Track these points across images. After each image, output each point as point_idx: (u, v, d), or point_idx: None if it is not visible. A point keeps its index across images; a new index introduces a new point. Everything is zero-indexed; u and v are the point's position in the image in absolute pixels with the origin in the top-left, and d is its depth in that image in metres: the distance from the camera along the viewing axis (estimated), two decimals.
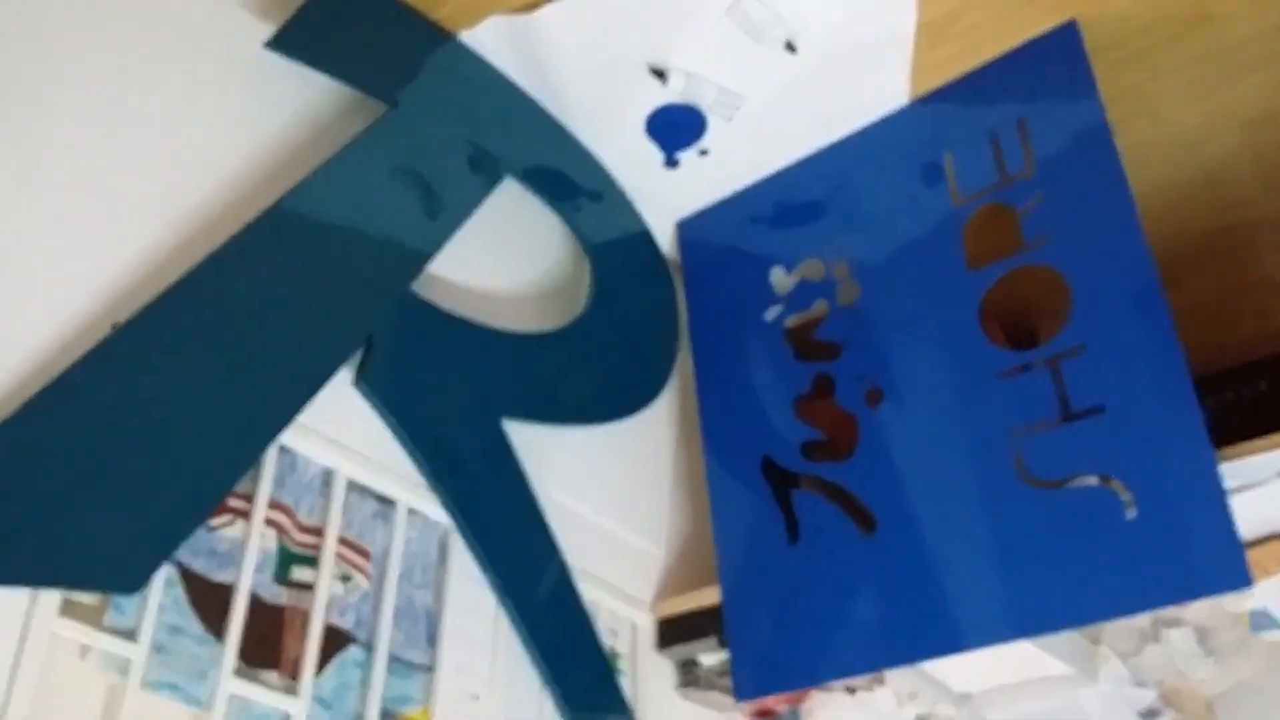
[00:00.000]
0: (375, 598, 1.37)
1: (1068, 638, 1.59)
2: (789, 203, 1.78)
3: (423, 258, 1.49)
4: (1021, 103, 1.57)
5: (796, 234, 1.75)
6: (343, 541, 1.35)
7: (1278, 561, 1.36)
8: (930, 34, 1.61)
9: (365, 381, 1.37)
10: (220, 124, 1.39)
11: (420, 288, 1.49)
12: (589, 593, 1.59)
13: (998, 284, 1.51)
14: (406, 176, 1.52)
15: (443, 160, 1.59)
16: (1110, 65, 1.60)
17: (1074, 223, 1.47)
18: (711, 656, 1.63)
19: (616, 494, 1.70)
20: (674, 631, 1.66)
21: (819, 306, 1.69)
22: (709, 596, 1.64)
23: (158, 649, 1.12)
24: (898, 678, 1.59)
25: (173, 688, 1.12)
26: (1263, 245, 1.93)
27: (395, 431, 1.39)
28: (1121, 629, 1.61)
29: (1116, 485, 1.34)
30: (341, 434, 1.37)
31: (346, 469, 1.37)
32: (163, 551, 1.11)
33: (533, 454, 1.54)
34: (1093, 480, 1.36)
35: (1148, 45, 1.62)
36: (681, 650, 1.65)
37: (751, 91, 1.68)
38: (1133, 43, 1.61)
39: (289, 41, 1.45)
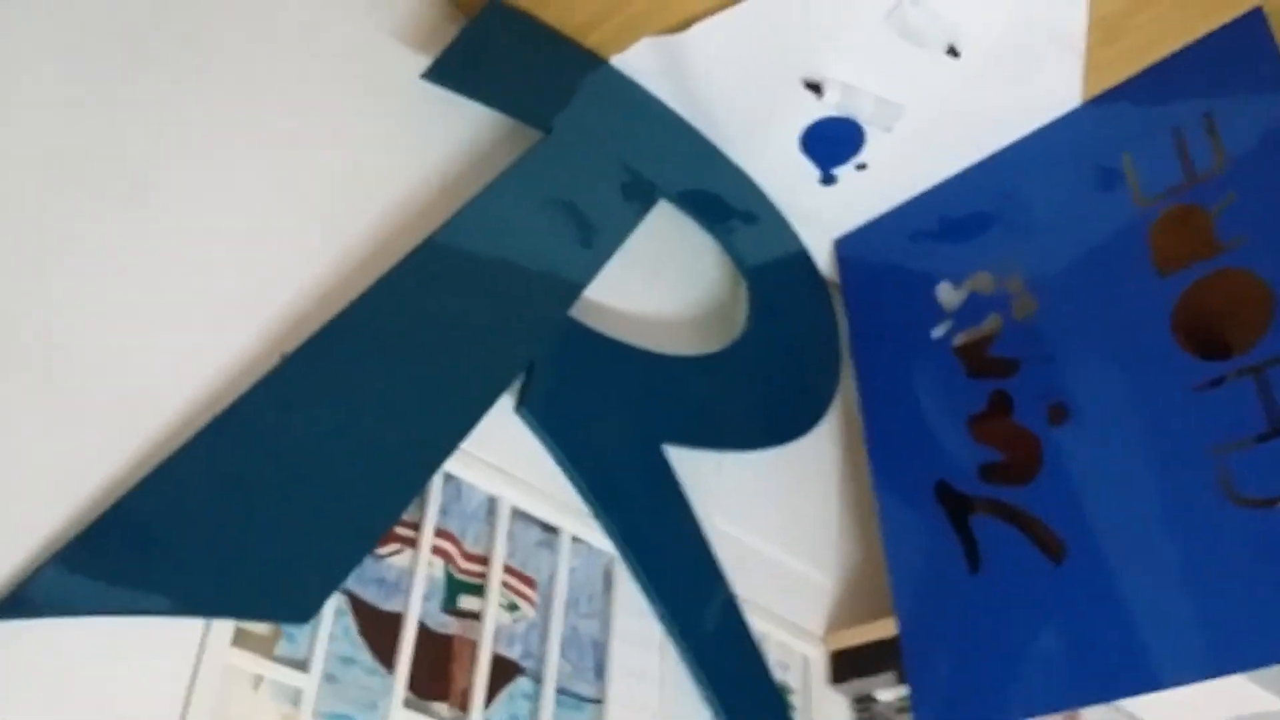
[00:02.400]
0: (542, 628, 1.34)
1: None
2: (954, 215, 1.70)
3: (580, 283, 1.47)
4: (1207, 97, 1.46)
5: (963, 247, 1.68)
6: (508, 570, 1.34)
7: None
8: (1104, 30, 1.52)
9: (527, 407, 1.35)
10: (381, 155, 1.41)
11: (578, 313, 1.48)
12: (757, 624, 1.53)
13: (1191, 290, 1.40)
14: (562, 202, 1.52)
15: (597, 185, 1.58)
16: None
17: (1274, 222, 1.35)
18: (889, 692, 1.55)
19: (782, 522, 1.65)
20: (848, 665, 1.58)
21: (991, 321, 1.60)
22: (884, 629, 1.56)
23: (329, 679, 1.12)
24: (1094, 716, 1.48)
25: (344, 718, 1.11)
26: None
27: (556, 457, 1.37)
28: None
29: None
30: (505, 461, 1.36)
31: (510, 496, 1.36)
32: (333, 581, 1.11)
33: (695, 481, 1.50)
34: None
35: None
36: (857, 685, 1.57)
37: (912, 101, 1.62)
38: None
39: (445, 72, 1.46)
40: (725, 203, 1.76)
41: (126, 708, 0.97)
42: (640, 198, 1.61)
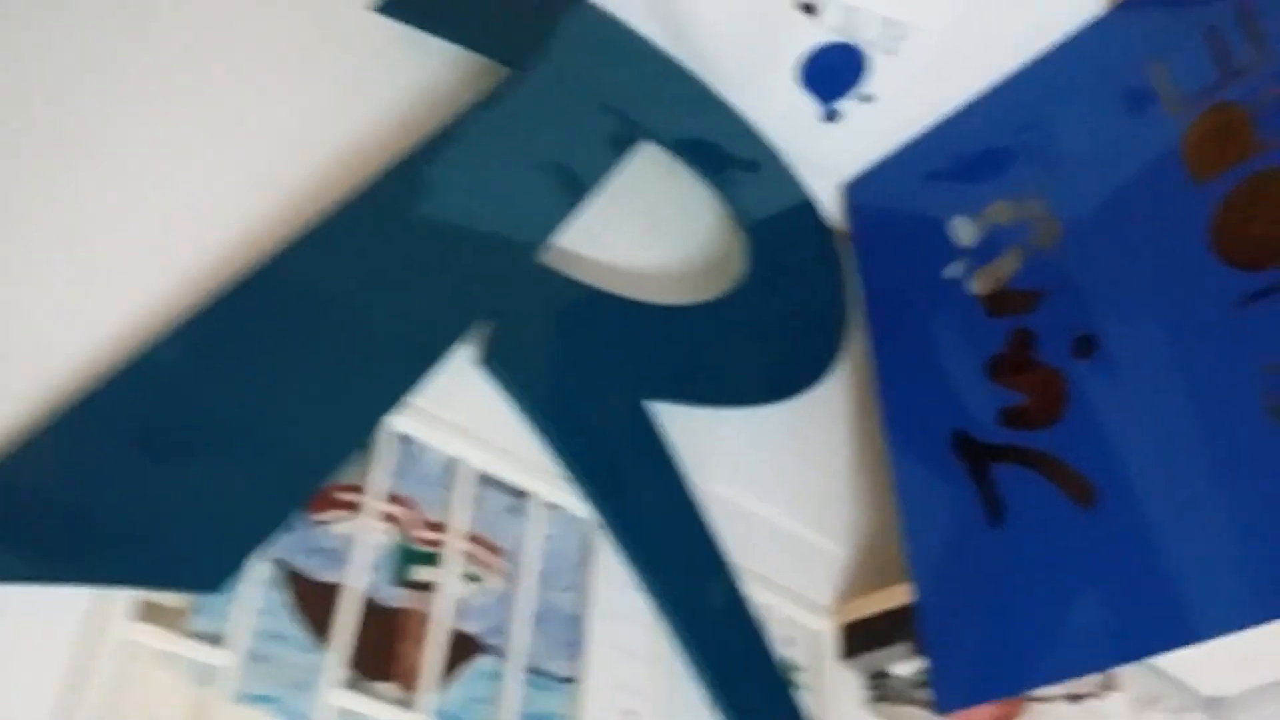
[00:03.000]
0: (510, 601, 1.21)
1: None
2: (970, 149, 1.55)
3: (551, 229, 1.34)
4: None
5: (982, 181, 1.52)
6: (473, 539, 1.21)
7: None
8: None
9: (491, 361, 1.22)
10: (331, 99, 1.30)
11: (559, 264, 1.35)
12: (759, 597, 1.39)
13: (1231, 196, 1.24)
14: (533, 144, 1.39)
15: (574, 126, 1.44)
16: None
17: None
18: (906, 665, 1.40)
19: (786, 485, 1.50)
20: (860, 638, 1.43)
21: (1012, 253, 1.45)
22: (898, 596, 1.41)
23: (256, 658, 0.99)
24: (1132, 679, 1.31)
25: (268, 700, 0.99)
26: None
27: (525, 413, 1.24)
28: None
29: None
30: (468, 421, 1.23)
31: (474, 458, 1.23)
32: (249, 545, 0.98)
33: (688, 442, 1.36)
34: None
35: None
36: (870, 659, 1.42)
37: (918, 19, 1.47)
38: None
39: (399, 4, 1.34)
40: (723, 150, 1.62)
41: (4, 689, 0.86)
42: (622, 140, 1.47)
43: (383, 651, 1.08)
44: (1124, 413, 1.27)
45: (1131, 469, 1.24)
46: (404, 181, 1.24)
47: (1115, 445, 1.27)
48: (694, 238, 1.56)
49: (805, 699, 1.39)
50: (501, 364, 1.24)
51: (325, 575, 1.07)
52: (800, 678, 1.42)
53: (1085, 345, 1.32)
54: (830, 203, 1.69)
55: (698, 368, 1.40)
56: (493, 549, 1.22)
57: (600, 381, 1.32)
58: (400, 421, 1.17)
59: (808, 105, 1.57)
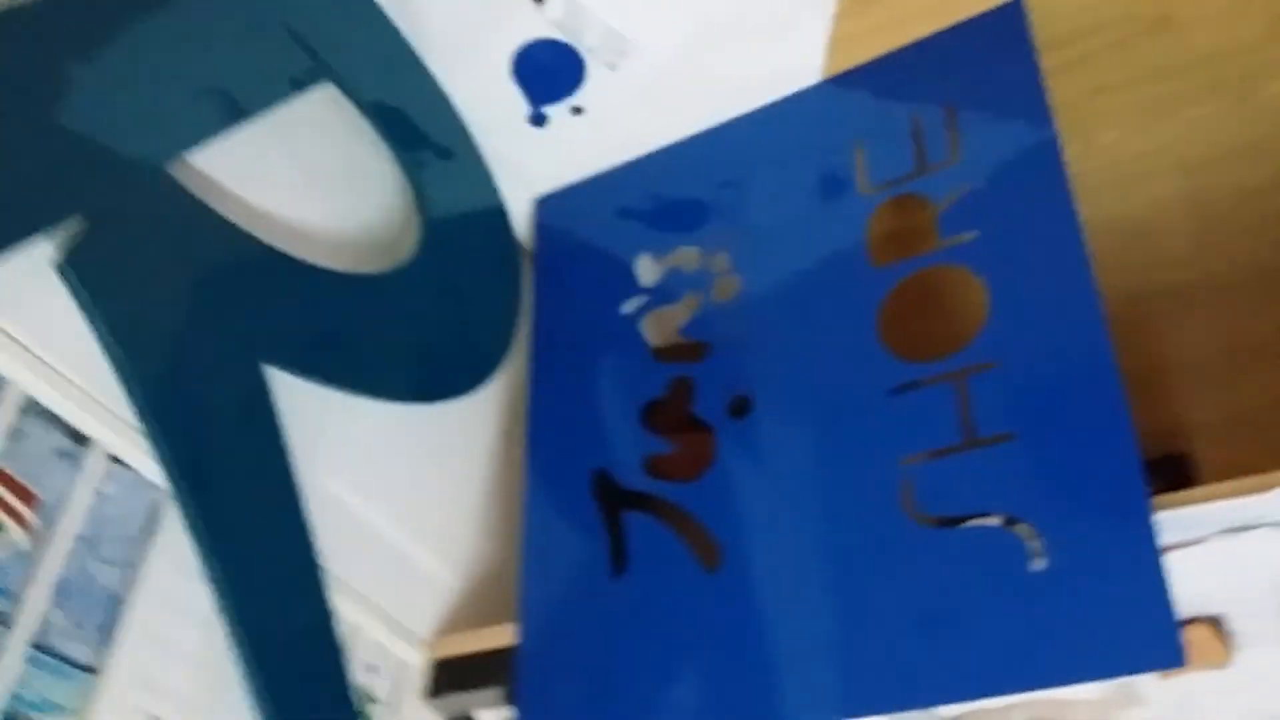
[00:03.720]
0: (32, 561, 0.99)
1: None
2: (670, 190, 1.49)
3: (190, 144, 1.15)
4: (953, 87, 1.32)
5: (674, 225, 1.46)
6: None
7: (1207, 654, 1.08)
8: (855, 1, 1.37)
9: (73, 264, 1.01)
10: None
11: (200, 192, 1.16)
12: (349, 613, 1.23)
13: (902, 284, 1.24)
14: (202, 56, 1.20)
15: (249, 45, 1.26)
16: (1049, 71, 1.37)
17: (1003, 222, 1.21)
18: (490, 714, 1.27)
19: (409, 496, 1.35)
20: (451, 677, 1.30)
21: (688, 300, 1.39)
22: (501, 637, 1.29)
23: None
24: None
25: None
26: (1187, 319, 1.70)
27: (103, 338, 1.03)
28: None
29: (1023, 530, 1.05)
30: (28, 333, 1.01)
31: (25, 380, 1.01)
32: None
33: (308, 425, 1.19)
34: (995, 521, 1.08)
35: (1095, 49, 1.41)
36: (456, 701, 1.28)
37: (644, 40, 1.41)
38: (1079, 44, 1.40)
39: None
40: (418, 127, 1.48)
41: None
42: (302, 76, 1.31)
43: None
44: (763, 481, 1.23)
45: (759, 538, 1.20)
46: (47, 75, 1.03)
47: (749, 511, 1.22)
48: (366, 207, 1.41)
49: None
50: (85, 269, 1.01)
51: None
52: (375, 711, 1.27)
53: (741, 406, 1.28)
54: (521, 213, 1.59)
55: (337, 343, 1.23)
56: (24, 495, 1.00)
57: (212, 326, 1.12)
58: None
59: (516, 102, 1.47)
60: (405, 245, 1.40)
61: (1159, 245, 1.66)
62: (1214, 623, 1.13)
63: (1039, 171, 1.21)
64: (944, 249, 1.23)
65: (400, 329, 1.30)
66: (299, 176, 1.32)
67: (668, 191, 1.49)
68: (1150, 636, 0.95)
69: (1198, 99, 1.45)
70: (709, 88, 1.45)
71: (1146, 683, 1.23)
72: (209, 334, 1.12)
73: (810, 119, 1.41)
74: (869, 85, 1.39)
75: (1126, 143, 1.53)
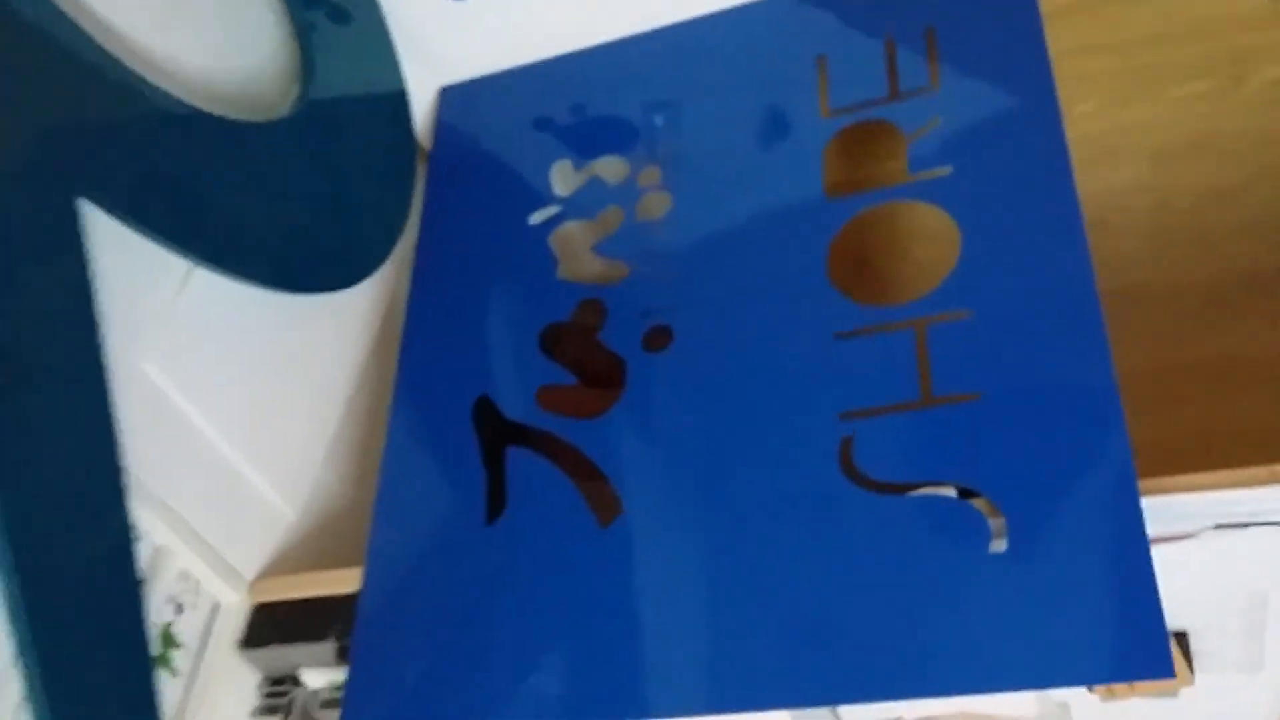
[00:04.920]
0: None
1: None
2: (604, 90, 1.29)
3: None
4: (936, 7, 1.16)
5: (601, 131, 1.27)
6: None
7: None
8: None
9: None
10: None
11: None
12: (155, 533, 1.00)
13: (860, 218, 1.07)
14: None
15: None
16: None
17: (984, 159, 1.05)
18: (320, 675, 1.06)
19: (249, 402, 1.11)
20: (274, 626, 1.07)
21: (610, 214, 1.20)
22: (341, 582, 1.07)
23: None
24: None
25: None
26: (1124, 329, 1.58)
27: None
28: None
29: (982, 504, 0.89)
30: None
31: None
32: None
33: (129, 290, 0.97)
34: (949, 491, 0.91)
35: (1087, 3, 1.27)
36: (277, 656, 1.06)
37: None
38: None
39: None
40: None
41: None
42: None
43: None
44: (677, 426, 1.04)
45: (663, 495, 1.01)
46: None
47: (655, 462, 1.03)
48: (240, 56, 1.16)
49: (169, 689, 1.01)
50: None
51: None
52: (176, 658, 1.04)
53: (658, 337, 1.09)
54: (423, 101, 1.37)
55: (178, 190, 0.99)
56: None
57: (26, 139, 0.89)
58: None
59: None
60: (279, 110, 1.18)
61: (1112, 241, 1.53)
62: (1180, 640, 0.98)
63: (1028, 107, 1.06)
64: (913, 183, 1.06)
65: (260, 193, 1.06)
66: (164, 4, 1.08)
67: (600, 95, 1.29)
68: (1132, 640, 0.79)
69: (1185, 75, 1.33)
70: None
71: (1084, 703, 1.08)
72: (17, 151, 0.88)
73: (769, 30, 1.23)
74: (839, 1, 1.22)
75: (1102, 116, 1.39)
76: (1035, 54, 1.08)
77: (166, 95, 0.98)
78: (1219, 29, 1.28)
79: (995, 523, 0.87)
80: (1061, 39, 1.28)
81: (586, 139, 1.26)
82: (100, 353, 0.92)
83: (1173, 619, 0.94)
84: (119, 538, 0.93)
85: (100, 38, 0.98)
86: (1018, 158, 1.04)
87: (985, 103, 1.08)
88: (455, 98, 1.36)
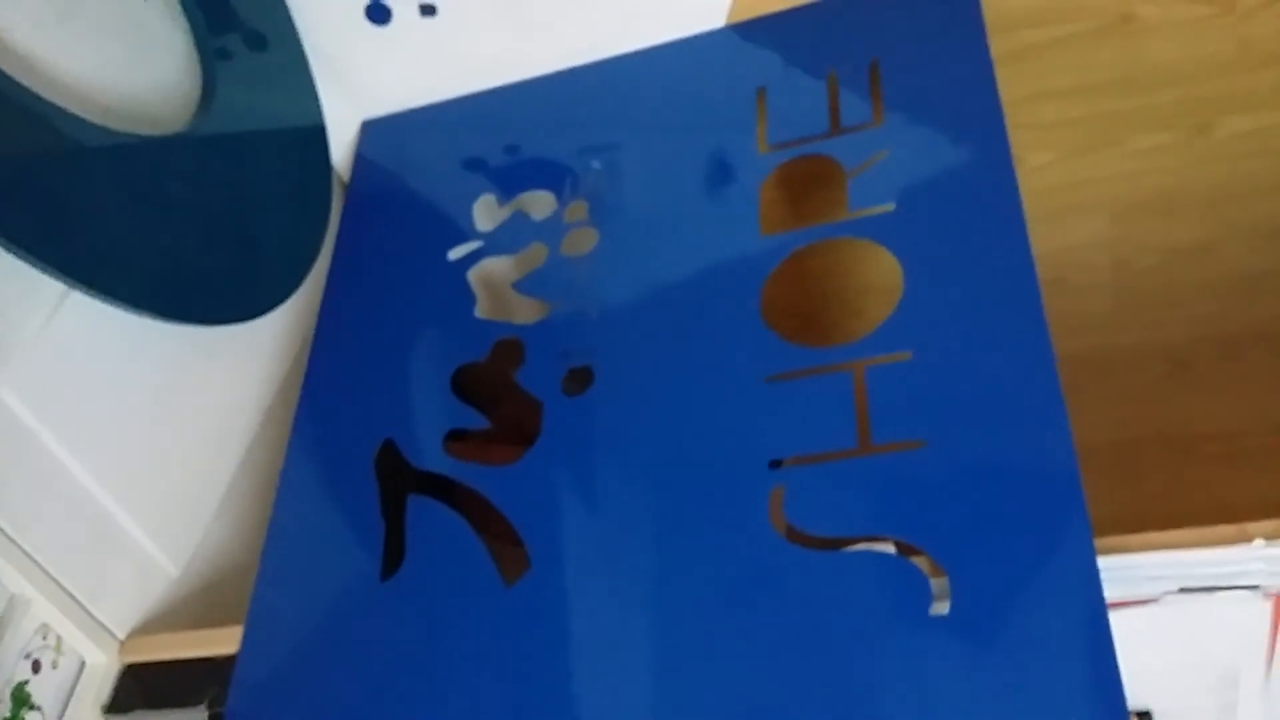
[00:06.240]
0: None
1: None
2: (533, 124, 1.22)
3: None
4: (880, 41, 1.10)
5: (528, 168, 1.20)
6: None
7: None
8: None
9: None
10: None
11: None
12: (11, 583, 0.90)
13: (799, 259, 1.00)
14: None
15: None
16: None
17: (928, 196, 0.98)
18: None
19: (128, 442, 1.01)
20: (142, 688, 0.96)
21: (533, 250, 1.12)
22: (218, 642, 0.97)
23: None
24: None
25: None
26: (1086, 394, 1.51)
27: None
28: None
29: (923, 562, 0.80)
30: None
31: None
32: None
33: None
34: (887, 547, 0.82)
35: (1043, 43, 1.22)
36: None
37: None
38: (1024, 33, 1.21)
39: None
40: (232, 7, 1.20)
41: None
42: None
43: None
44: (595, 475, 0.95)
45: (575, 550, 0.92)
46: None
47: (569, 514, 0.94)
48: (138, 72, 1.10)
49: None
50: None
51: None
52: None
53: (579, 380, 1.00)
54: (346, 133, 1.29)
55: (49, 202, 0.91)
56: None
57: None
58: None
59: None
60: (188, 111, 1.10)
61: (1070, 301, 1.47)
62: None
63: (976, 142, 0.99)
64: (853, 220, 0.99)
65: (143, 211, 0.98)
66: (54, 10, 1.00)
67: (532, 134, 1.22)
68: (1088, 717, 0.69)
69: (1148, 124, 1.27)
70: (593, 14, 1.19)
71: None
72: None
73: (707, 65, 1.17)
74: (780, 34, 1.16)
75: (1058, 169, 1.34)
76: (984, 89, 1.02)
77: (35, 97, 0.90)
78: (1183, 76, 1.23)
79: (937, 583, 0.78)
80: (1016, 85, 1.23)
81: (514, 175, 1.19)
82: None
83: (1134, 697, 0.85)
84: None
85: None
86: (965, 194, 0.97)
87: (931, 139, 1.01)
88: (378, 130, 1.29)
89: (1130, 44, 1.20)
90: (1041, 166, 1.33)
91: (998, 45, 1.11)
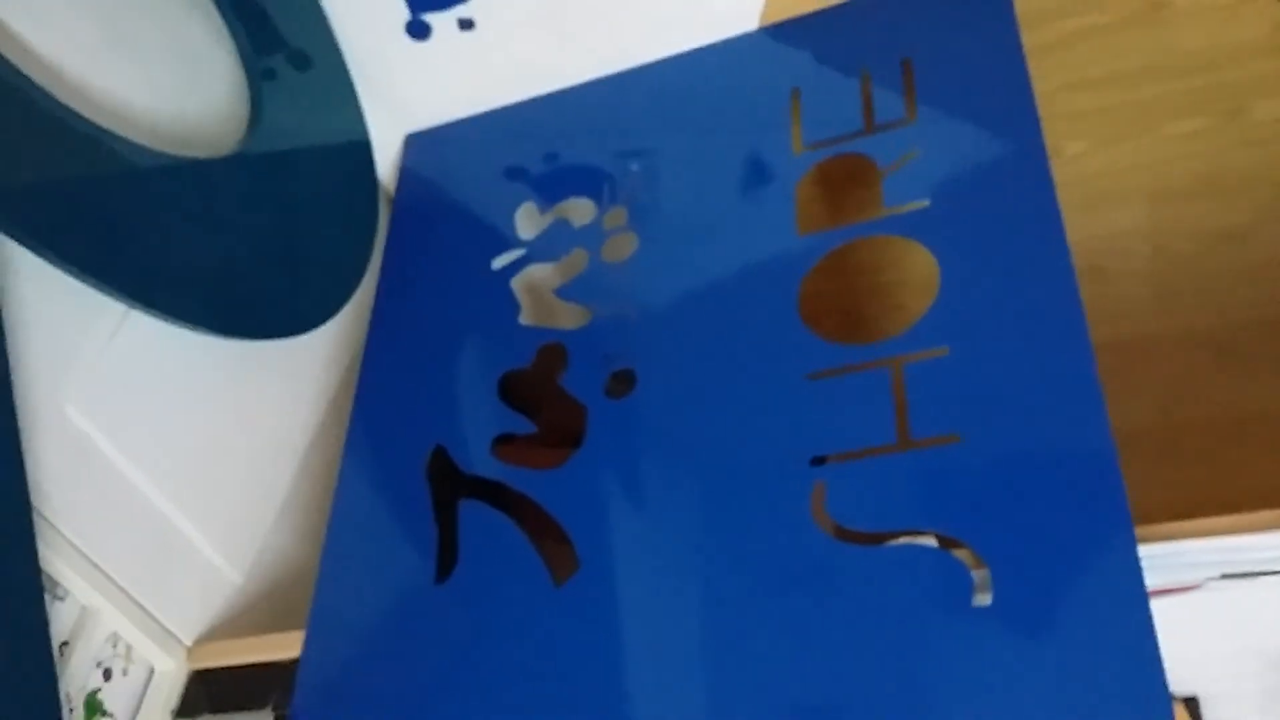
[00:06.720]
0: None
1: None
2: (572, 133, 1.24)
3: None
4: (912, 39, 1.11)
5: (568, 175, 1.22)
6: None
7: None
8: None
9: None
10: None
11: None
12: (82, 594, 0.94)
13: (837, 257, 1.01)
14: None
15: None
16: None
17: (964, 192, 0.99)
18: None
19: (192, 456, 1.05)
20: (211, 694, 1.00)
21: (573, 258, 1.14)
22: (282, 647, 1.00)
23: None
24: None
25: None
26: (1130, 381, 1.51)
27: None
28: None
29: (965, 555, 0.82)
30: None
31: None
32: None
33: (54, 330, 0.92)
34: (929, 540, 0.84)
35: (1075, 33, 1.22)
36: None
37: None
38: (1057, 25, 1.21)
39: None
40: (276, 29, 1.23)
41: None
42: None
43: None
44: (640, 476, 0.97)
45: (624, 550, 0.94)
46: None
47: (617, 515, 0.96)
48: (188, 96, 1.14)
49: None
50: None
51: None
52: None
53: (621, 383, 1.03)
54: (390, 147, 1.32)
55: (107, 226, 0.94)
56: None
57: None
58: None
59: (396, 8, 1.22)
60: (235, 135, 1.13)
61: (1109, 289, 1.47)
62: (1188, 706, 0.90)
63: (1010, 136, 1.00)
64: (889, 217, 1.00)
65: (197, 231, 1.01)
66: (105, 38, 1.04)
67: (572, 142, 1.24)
68: (1132, 707, 0.70)
69: (1181, 111, 1.28)
70: (626, 22, 1.21)
71: None
72: None
73: (740, 68, 1.19)
74: (813, 35, 1.17)
75: (1094, 158, 1.34)
76: (1017, 83, 1.03)
77: (92, 125, 0.94)
78: (1215, 62, 1.23)
79: (979, 574, 0.80)
80: (1050, 75, 1.24)
81: (554, 183, 1.21)
82: (6, 387, 0.86)
83: (1180, 683, 0.86)
84: (24, 588, 0.87)
85: (33, 71, 0.94)
86: (1000, 189, 0.98)
87: (965, 135, 1.02)
88: (421, 143, 1.32)
89: (1162, 31, 1.20)
90: (1077, 155, 1.34)
91: (1030, 37, 1.11)
